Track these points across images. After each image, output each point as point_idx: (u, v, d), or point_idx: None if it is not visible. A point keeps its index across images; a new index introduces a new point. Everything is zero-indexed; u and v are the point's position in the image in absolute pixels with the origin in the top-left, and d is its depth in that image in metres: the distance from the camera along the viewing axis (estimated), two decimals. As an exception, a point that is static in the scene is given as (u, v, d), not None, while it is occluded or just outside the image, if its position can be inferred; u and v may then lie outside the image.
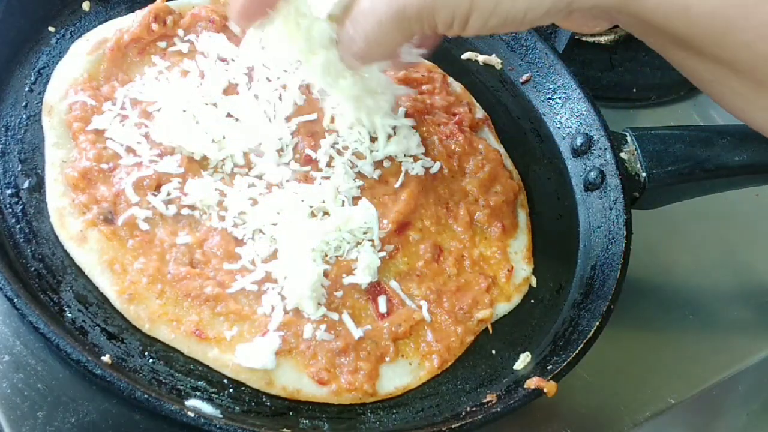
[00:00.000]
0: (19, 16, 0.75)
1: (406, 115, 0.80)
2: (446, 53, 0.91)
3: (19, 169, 0.68)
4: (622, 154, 0.82)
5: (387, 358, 0.66)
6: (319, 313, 0.66)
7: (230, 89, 0.76)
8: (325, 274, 0.68)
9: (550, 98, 0.90)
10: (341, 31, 0.62)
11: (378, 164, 0.77)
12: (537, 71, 0.91)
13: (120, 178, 0.68)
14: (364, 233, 0.71)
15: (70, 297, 0.63)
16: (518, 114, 0.91)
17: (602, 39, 1.07)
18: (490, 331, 0.73)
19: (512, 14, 0.54)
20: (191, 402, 0.59)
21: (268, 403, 0.62)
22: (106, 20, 0.80)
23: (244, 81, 0.77)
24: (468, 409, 0.65)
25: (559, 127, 0.89)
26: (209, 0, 0.83)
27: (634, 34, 0.57)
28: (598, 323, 0.69)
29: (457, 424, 0.61)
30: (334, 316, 0.66)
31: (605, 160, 0.83)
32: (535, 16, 0.54)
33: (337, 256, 0.69)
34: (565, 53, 0.93)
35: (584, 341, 0.68)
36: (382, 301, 0.69)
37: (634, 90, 1.07)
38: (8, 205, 0.66)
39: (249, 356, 0.61)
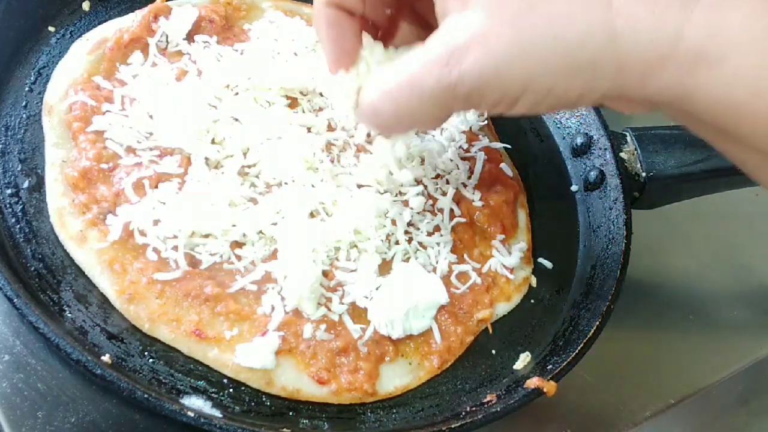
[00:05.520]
0: (19, 16, 0.75)
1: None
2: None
3: (19, 169, 0.68)
4: (622, 154, 0.82)
5: (387, 358, 0.66)
6: (319, 313, 0.66)
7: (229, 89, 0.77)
8: (325, 274, 0.68)
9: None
10: (361, 96, 0.56)
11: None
12: (537, 71, 0.91)
13: (120, 178, 0.68)
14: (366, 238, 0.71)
15: (70, 297, 0.63)
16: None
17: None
18: (490, 331, 0.73)
19: (564, 99, 0.51)
20: (191, 402, 0.59)
21: (268, 403, 0.62)
22: (106, 20, 0.80)
23: (243, 81, 0.77)
24: (468, 409, 0.65)
25: (559, 127, 0.89)
26: (209, 0, 0.84)
27: (679, 123, 0.55)
28: (598, 323, 0.69)
29: (457, 424, 0.61)
30: (334, 316, 0.66)
31: (605, 160, 0.83)
32: (586, 101, 0.51)
33: (337, 258, 0.70)
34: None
35: (584, 341, 0.68)
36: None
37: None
38: (8, 205, 0.66)
39: (249, 356, 0.61)
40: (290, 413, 0.62)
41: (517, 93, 0.50)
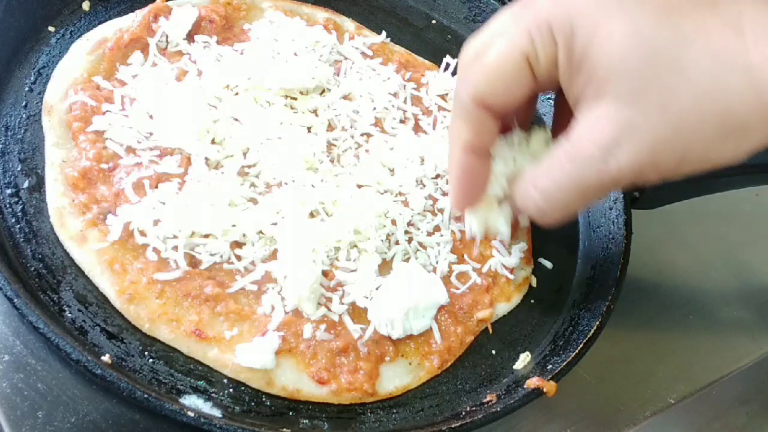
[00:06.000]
0: (19, 16, 0.75)
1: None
2: (446, 54, 0.91)
3: (19, 169, 0.68)
4: (622, 154, 0.82)
5: (387, 358, 0.66)
6: (319, 313, 0.66)
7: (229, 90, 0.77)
8: (325, 274, 0.68)
9: (550, 98, 0.90)
10: (519, 197, 0.58)
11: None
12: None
13: (120, 178, 0.68)
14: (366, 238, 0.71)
15: (70, 297, 0.63)
16: (518, 114, 0.91)
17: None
18: (490, 331, 0.73)
19: (719, 161, 0.52)
20: (191, 401, 0.59)
21: (268, 403, 0.62)
22: (106, 20, 0.80)
23: (243, 81, 0.77)
24: (468, 409, 0.65)
25: (559, 127, 0.89)
26: (209, 0, 0.84)
27: None
28: (598, 323, 0.69)
29: (457, 424, 0.61)
30: (334, 316, 0.66)
31: (605, 160, 0.82)
32: (739, 157, 0.51)
33: (337, 258, 0.69)
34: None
35: (584, 341, 0.68)
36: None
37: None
38: (8, 205, 0.66)
39: (249, 356, 0.61)
40: (290, 413, 0.62)
41: (673, 167, 0.51)
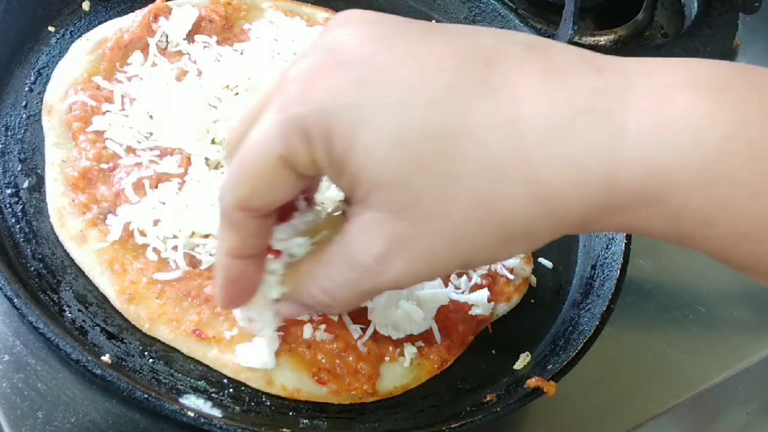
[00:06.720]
0: (19, 16, 0.75)
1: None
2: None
3: (19, 168, 0.68)
4: (622, 154, 0.82)
5: (387, 358, 0.66)
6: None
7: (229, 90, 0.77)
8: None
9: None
10: (303, 292, 0.53)
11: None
12: (537, 71, 0.91)
13: (120, 178, 0.68)
14: None
15: (70, 297, 0.63)
16: (518, 114, 0.91)
17: (602, 39, 1.08)
18: (490, 331, 0.73)
19: (506, 257, 0.49)
20: (191, 401, 0.59)
21: (268, 403, 0.62)
22: (106, 20, 0.80)
23: (243, 81, 0.77)
24: (468, 409, 0.65)
25: (559, 127, 0.89)
26: (209, 0, 0.84)
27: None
28: (598, 323, 0.69)
29: (457, 424, 0.61)
30: (334, 316, 0.66)
31: (605, 160, 0.82)
32: (529, 251, 0.49)
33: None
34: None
35: (584, 341, 0.68)
36: (382, 301, 0.69)
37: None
38: (8, 205, 0.66)
39: (249, 356, 0.61)
40: (290, 413, 0.62)
41: (456, 269, 0.49)
